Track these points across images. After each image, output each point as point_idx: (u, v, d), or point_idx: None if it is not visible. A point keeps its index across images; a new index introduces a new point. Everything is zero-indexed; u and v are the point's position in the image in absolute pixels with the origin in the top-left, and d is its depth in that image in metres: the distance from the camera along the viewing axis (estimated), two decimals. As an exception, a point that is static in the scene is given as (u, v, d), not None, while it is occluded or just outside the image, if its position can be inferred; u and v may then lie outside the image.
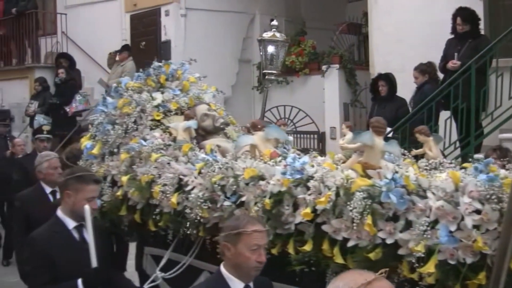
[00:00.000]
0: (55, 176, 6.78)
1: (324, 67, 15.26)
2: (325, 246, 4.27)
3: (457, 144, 9.78)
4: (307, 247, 4.33)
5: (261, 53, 8.36)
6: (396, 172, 4.13)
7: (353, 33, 16.91)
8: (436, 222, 3.87)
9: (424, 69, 10.56)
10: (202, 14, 16.64)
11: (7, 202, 11.56)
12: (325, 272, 4.33)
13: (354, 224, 4.04)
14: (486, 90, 9.60)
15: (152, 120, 6.23)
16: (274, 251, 4.58)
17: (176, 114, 6.40)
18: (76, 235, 5.02)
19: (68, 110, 16.13)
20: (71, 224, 5.01)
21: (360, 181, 4.18)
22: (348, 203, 4.11)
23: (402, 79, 11.20)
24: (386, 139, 4.81)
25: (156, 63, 6.69)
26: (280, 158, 4.92)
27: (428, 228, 3.83)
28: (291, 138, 5.92)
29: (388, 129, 10.22)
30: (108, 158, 6.17)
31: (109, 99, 6.49)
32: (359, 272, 2.72)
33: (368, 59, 14.28)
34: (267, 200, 4.53)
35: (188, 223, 5.14)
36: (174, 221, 5.34)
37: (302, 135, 15.21)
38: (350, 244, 4.14)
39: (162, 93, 6.53)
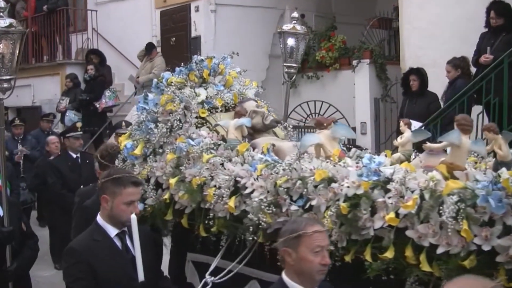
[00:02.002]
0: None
1: (354, 62, 15.09)
2: (409, 253, 3.90)
3: (490, 139, 9.67)
4: (389, 254, 3.96)
5: (281, 46, 8.30)
6: (499, 176, 3.72)
7: (383, 27, 16.60)
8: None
9: (458, 63, 10.39)
10: (232, 9, 16.55)
11: (49, 205, 11.28)
12: (404, 280, 3.99)
13: (449, 230, 3.68)
14: (519, 84, 9.51)
15: (196, 117, 5.87)
16: (347, 258, 4.23)
17: (221, 111, 6.07)
18: (118, 243, 4.61)
19: (98, 106, 16.15)
20: (112, 231, 4.61)
21: (452, 184, 3.80)
22: (440, 207, 3.76)
23: (433, 74, 11.01)
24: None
25: (198, 57, 6.32)
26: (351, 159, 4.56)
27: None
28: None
29: (419, 124, 10.21)
30: (151, 158, 5.76)
31: (150, 96, 6.07)
32: (474, 277, 2.61)
33: (399, 54, 14.05)
34: (343, 204, 4.14)
35: (245, 228, 4.80)
36: (230, 226, 4.96)
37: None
38: (440, 251, 3.77)
39: (206, 88, 6.17)
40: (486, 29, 10.16)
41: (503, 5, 9.97)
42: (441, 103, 10.58)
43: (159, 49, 16.79)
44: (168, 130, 5.68)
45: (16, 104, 17.81)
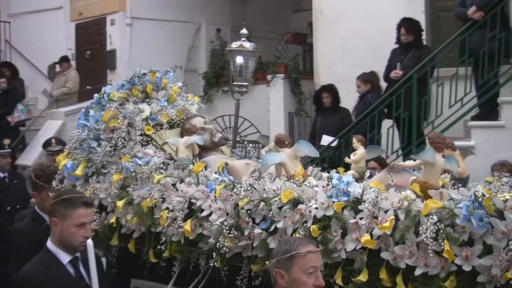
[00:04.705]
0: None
1: (269, 77, 15.06)
2: (383, 275, 3.76)
3: (400, 152, 9.91)
4: (363, 278, 3.78)
5: (231, 66, 8.19)
6: (483, 195, 3.62)
7: (298, 43, 16.72)
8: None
9: (367, 78, 10.53)
10: (148, 23, 16.28)
11: None
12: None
13: (430, 251, 3.57)
14: (427, 99, 9.71)
15: (140, 135, 5.54)
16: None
17: (166, 128, 5.78)
18: (71, 270, 4.13)
19: (10, 119, 15.83)
20: (65, 258, 4.10)
21: (431, 204, 3.66)
22: (419, 227, 3.63)
23: (346, 88, 11.05)
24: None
25: (140, 70, 6.00)
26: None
27: (515, 253, 3.33)
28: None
29: (331, 138, 10.38)
30: (94, 179, 5.37)
31: (92, 112, 5.70)
32: None
33: (313, 68, 14.19)
34: (314, 226, 3.94)
35: (202, 253, 4.53)
36: (186, 250, 4.68)
37: (247, 145, 15.12)
38: (418, 272, 3.66)
39: (149, 104, 5.85)
40: (397, 45, 10.40)
41: (413, 22, 10.18)
42: (353, 117, 10.77)
43: (73, 63, 16.42)
44: (112, 148, 5.33)
45: None
